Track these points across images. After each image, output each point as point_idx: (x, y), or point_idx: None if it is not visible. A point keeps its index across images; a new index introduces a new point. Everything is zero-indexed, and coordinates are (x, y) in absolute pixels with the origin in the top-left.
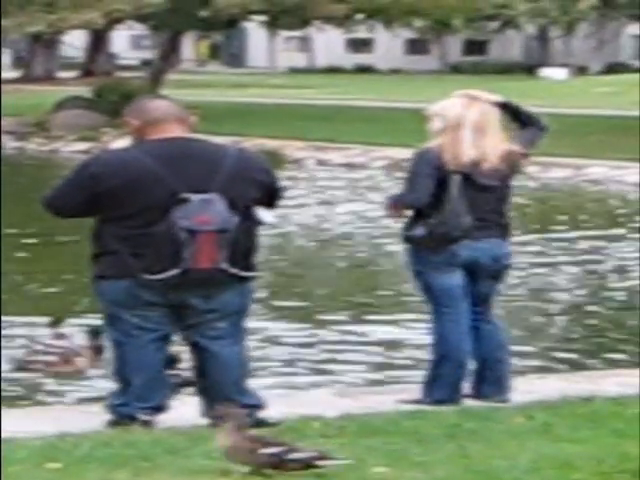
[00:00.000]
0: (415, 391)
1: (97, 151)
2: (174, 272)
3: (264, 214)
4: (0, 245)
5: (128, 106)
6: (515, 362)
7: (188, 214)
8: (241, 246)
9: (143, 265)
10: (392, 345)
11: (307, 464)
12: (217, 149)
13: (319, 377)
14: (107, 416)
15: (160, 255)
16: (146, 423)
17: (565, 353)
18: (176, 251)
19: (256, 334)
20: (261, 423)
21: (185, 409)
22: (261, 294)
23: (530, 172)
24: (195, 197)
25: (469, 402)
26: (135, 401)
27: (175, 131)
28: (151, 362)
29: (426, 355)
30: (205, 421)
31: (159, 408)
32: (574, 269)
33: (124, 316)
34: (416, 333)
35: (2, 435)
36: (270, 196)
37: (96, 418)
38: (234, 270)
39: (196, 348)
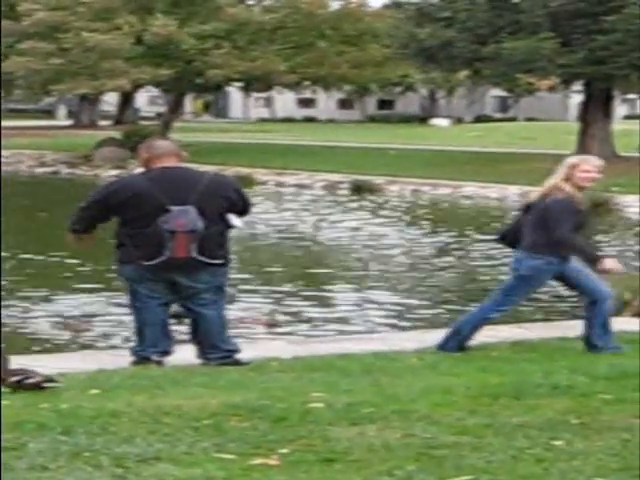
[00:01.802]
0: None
1: (122, 176)
2: (160, 260)
3: (234, 220)
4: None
5: (141, 145)
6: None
7: (169, 220)
8: (211, 242)
9: (140, 254)
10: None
11: (38, 385)
12: (196, 174)
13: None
14: (131, 358)
15: (150, 248)
16: (158, 363)
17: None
18: (161, 245)
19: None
20: (237, 363)
21: (185, 353)
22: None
23: (423, 190)
24: (175, 208)
25: (380, 347)
26: (149, 347)
27: (171, 162)
28: (159, 320)
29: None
30: (198, 362)
31: (166, 352)
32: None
33: (137, 288)
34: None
35: (59, 371)
36: (240, 208)
37: (123, 359)
38: (202, 258)
39: (190, 311)
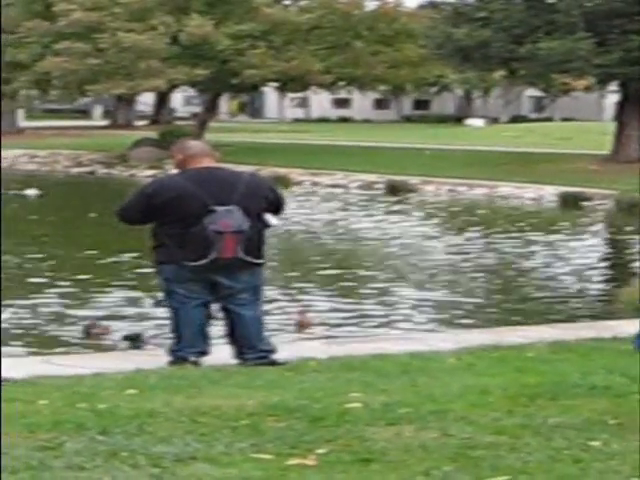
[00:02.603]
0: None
1: (158, 176)
2: (207, 260)
3: (271, 219)
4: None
5: (173, 146)
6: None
7: (216, 220)
8: (253, 241)
9: (184, 255)
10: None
11: None
12: (235, 174)
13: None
14: (167, 358)
15: (196, 248)
16: (194, 363)
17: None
18: (207, 246)
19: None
20: (273, 363)
21: (221, 353)
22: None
23: (459, 190)
24: (220, 208)
25: (417, 347)
26: (186, 347)
27: (206, 162)
28: (196, 320)
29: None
30: (235, 362)
31: (203, 352)
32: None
33: (175, 289)
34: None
35: (97, 371)
36: (275, 206)
37: (160, 359)
38: (248, 258)
39: (227, 312)
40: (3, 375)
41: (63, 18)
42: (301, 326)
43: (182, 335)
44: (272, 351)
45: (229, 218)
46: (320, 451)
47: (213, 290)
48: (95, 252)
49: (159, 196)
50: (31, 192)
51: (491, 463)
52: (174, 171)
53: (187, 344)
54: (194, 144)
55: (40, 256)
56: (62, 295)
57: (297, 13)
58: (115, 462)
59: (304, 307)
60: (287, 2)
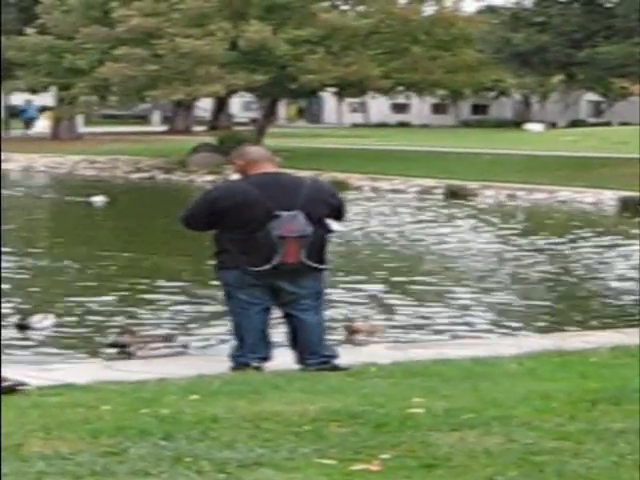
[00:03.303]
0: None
1: (219, 182)
2: (270, 265)
3: (333, 224)
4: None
5: (233, 152)
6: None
7: (279, 225)
8: (316, 246)
9: (249, 260)
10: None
11: (11, 388)
12: (297, 179)
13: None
14: (230, 363)
15: (260, 253)
16: (257, 368)
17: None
18: (271, 251)
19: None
20: (335, 368)
21: (284, 358)
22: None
23: (518, 195)
24: (284, 213)
25: (479, 353)
26: (249, 353)
27: (268, 168)
28: (258, 326)
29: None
30: (297, 367)
31: (266, 358)
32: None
33: (237, 294)
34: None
35: (159, 376)
36: (337, 212)
37: (222, 365)
38: (311, 263)
39: (289, 317)
40: (22, 379)
41: (121, 24)
42: (351, 333)
43: (244, 340)
44: (334, 356)
45: (293, 223)
46: (384, 456)
47: (275, 296)
48: (185, 258)
49: (223, 201)
50: (98, 199)
51: (555, 469)
52: (234, 177)
53: (249, 350)
54: (255, 150)
55: (124, 263)
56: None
57: (355, 18)
58: (179, 468)
59: (353, 314)
60: (345, 7)
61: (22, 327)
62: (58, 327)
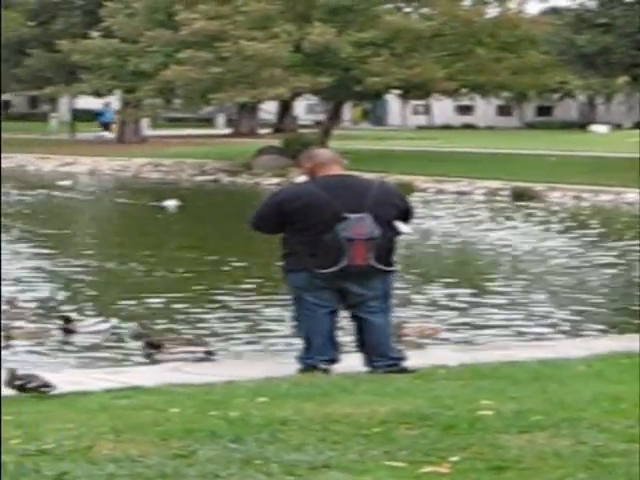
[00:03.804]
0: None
1: (285, 184)
2: (338, 267)
3: (401, 226)
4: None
5: (301, 154)
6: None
7: (347, 227)
8: (384, 249)
9: (316, 262)
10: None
11: (37, 389)
12: (365, 182)
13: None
14: (297, 366)
15: (328, 256)
16: (325, 371)
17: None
18: (339, 253)
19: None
20: (403, 370)
21: (352, 361)
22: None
23: (584, 196)
24: (352, 216)
25: (546, 354)
26: (316, 355)
27: (335, 170)
28: (326, 328)
29: None
30: (365, 369)
31: (333, 360)
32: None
33: (305, 296)
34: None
35: (227, 379)
36: (405, 214)
37: (290, 367)
38: (379, 265)
39: (357, 319)
40: (46, 380)
41: (186, 27)
42: (399, 336)
43: (312, 343)
44: (402, 359)
45: (361, 225)
46: (453, 459)
47: (342, 298)
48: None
49: (290, 203)
50: (170, 203)
51: (625, 471)
52: (300, 179)
53: (317, 352)
54: (323, 152)
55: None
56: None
57: (419, 20)
58: (249, 470)
59: (415, 317)
60: (408, 10)
61: (67, 331)
62: (115, 329)
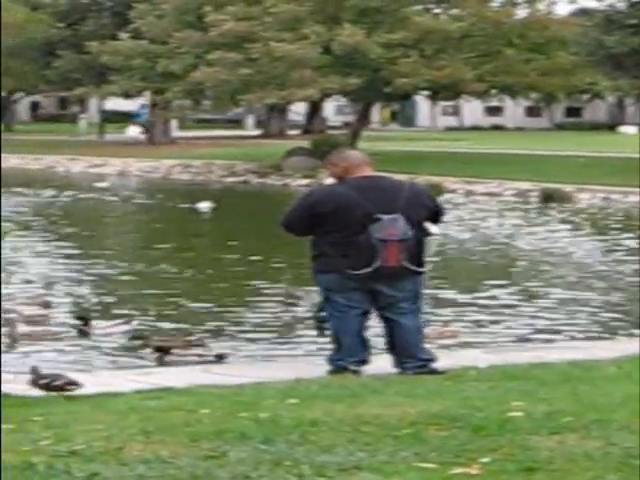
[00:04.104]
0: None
1: (315, 185)
2: (371, 269)
3: (431, 227)
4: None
5: (331, 155)
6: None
7: (380, 229)
8: (415, 250)
9: (349, 263)
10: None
11: (62, 387)
12: (396, 183)
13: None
14: (327, 367)
15: (361, 257)
16: (355, 372)
17: None
18: (372, 254)
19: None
20: (433, 372)
21: (382, 362)
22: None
23: (613, 198)
24: (385, 217)
25: (577, 356)
26: (347, 356)
27: (366, 171)
28: (356, 329)
29: None
30: (395, 371)
31: (364, 361)
32: None
33: (336, 298)
34: None
35: (257, 380)
36: (435, 215)
37: (320, 369)
38: (411, 266)
39: (387, 321)
40: (72, 378)
41: (215, 28)
42: None
43: (342, 344)
44: (432, 360)
45: (394, 227)
46: (484, 460)
47: (373, 299)
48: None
49: (323, 205)
50: (204, 205)
51: None
52: (329, 181)
53: (347, 353)
54: (355, 153)
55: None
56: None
57: (448, 21)
58: (279, 471)
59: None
60: (437, 11)
61: (82, 333)
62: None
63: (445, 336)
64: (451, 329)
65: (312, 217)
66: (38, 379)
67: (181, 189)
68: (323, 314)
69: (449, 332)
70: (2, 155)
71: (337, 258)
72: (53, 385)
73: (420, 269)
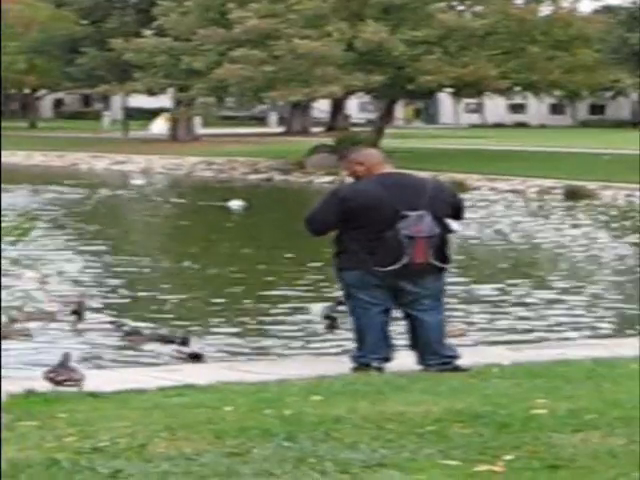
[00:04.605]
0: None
1: (339, 183)
2: (399, 265)
3: (453, 224)
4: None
5: (349, 154)
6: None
7: (408, 225)
8: (440, 246)
9: (376, 260)
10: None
11: (61, 383)
12: (420, 180)
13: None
14: (351, 364)
15: (388, 254)
16: (378, 369)
17: None
18: (399, 251)
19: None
20: (456, 369)
21: (405, 359)
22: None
23: (637, 195)
24: (412, 213)
25: (600, 353)
26: (370, 353)
27: (387, 168)
28: (379, 326)
29: None
30: (418, 368)
31: (387, 358)
32: None
33: (359, 295)
34: None
35: (281, 377)
36: (457, 212)
37: (342, 365)
38: (437, 263)
39: (410, 317)
40: (77, 375)
41: (238, 25)
42: None
43: (365, 341)
44: (455, 357)
45: (421, 223)
46: (507, 457)
47: (396, 296)
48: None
49: (353, 200)
50: (236, 203)
51: None
52: (349, 180)
53: (370, 350)
54: (373, 152)
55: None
56: None
57: (471, 19)
58: (303, 468)
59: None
60: (461, 8)
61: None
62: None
63: (453, 335)
64: (459, 327)
65: (341, 214)
66: (48, 372)
67: (210, 186)
68: (334, 314)
69: (458, 330)
70: (26, 152)
71: (362, 255)
72: (57, 380)
73: (447, 265)
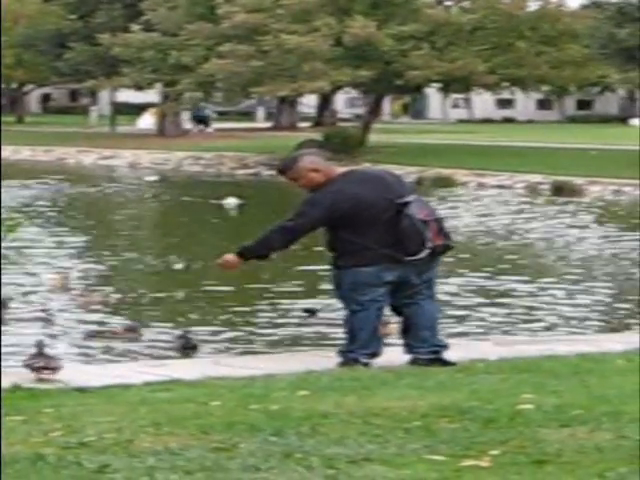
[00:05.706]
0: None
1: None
2: (428, 248)
3: None
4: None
5: (290, 166)
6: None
7: (417, 210)
8: (443, 227)
9: (402, 250)
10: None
11: (38, 369)
12: (376, 171)
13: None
14: (338, 359)
15: (412, 240)
16: (366, 364)
17: None
18: (421, 237)
19: None
20: (444, 363)
21: (391, 354)
22: None
23: (624, 190)
24: (410, 199)
25: (586, 348)
26: (359, 349)
27: (338, 167)
28: (374, 323)
29: None
30: (405, 363)
31: (375, 354)
32: None
33: (361, 294)
34: None
35: (268, 372)
36: None
37: (328, 360)
38: (450, 242)
39: (406, 307)
40: (52, 363)
41: (226, 20)
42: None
43: (357, 337)
44: (444, 346)
45: (425, 207)
46: (494, 452)
47: (397, 290)
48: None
49: (341, 204)
50: (230, 201)
51: None
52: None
53: (360, 346)
54: (315, 156)
55: None
56: None
57: (459, 14)
58: (290, 463)
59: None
60: (449, 3)
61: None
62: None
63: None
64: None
65: (329, 220)
66: (31, 358)
67: (201, 182)
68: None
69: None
70: (13, 147)
71: (382, 250)
72: (34, 367)
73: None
